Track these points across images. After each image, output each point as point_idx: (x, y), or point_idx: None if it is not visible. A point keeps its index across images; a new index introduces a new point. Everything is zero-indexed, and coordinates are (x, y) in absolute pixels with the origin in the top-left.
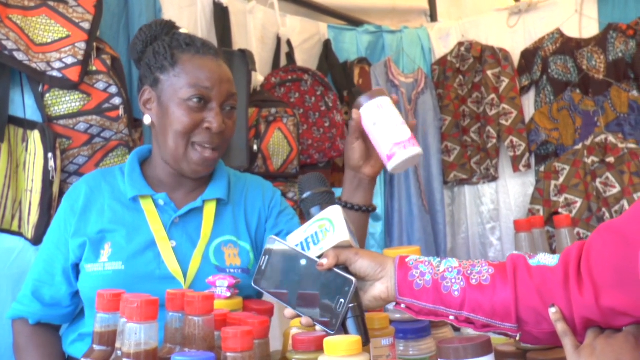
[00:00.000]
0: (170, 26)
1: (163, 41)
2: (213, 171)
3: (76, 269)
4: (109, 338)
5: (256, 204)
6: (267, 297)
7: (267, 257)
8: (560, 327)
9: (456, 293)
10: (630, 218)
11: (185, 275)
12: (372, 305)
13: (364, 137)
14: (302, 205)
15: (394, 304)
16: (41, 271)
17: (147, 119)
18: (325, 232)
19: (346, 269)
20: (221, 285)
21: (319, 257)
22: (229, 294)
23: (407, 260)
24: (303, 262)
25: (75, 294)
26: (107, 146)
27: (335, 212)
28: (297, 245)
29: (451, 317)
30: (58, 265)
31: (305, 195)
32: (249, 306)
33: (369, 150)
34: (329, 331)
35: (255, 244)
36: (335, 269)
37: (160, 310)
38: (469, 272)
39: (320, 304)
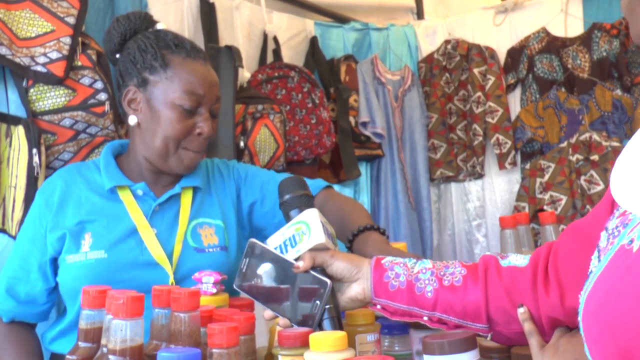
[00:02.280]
0: (149, 20)
1: (147, 38)
2: None
3: (54, 264)
4: (95, 335)
5: (224, 182)
6: (244, 296)
7: (247, 259)
8: (527, 326)
9: (429, 294)
10: (592, 217)
11: (170, 260)
12: (349, 306)
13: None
14: (282, 208)
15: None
16: (16, 268)
17: (132, 120)
18: (302, 235)
19: (323, 270)
20: (207, 281)
21: (296, 259)
22: (214, 290)
23: (382, 261)
24: (281, 264)
25: (52, 291)
26: (93, 142)
27: (311, 215)
28: (275, 248)
29: (425, 318)
30: (34, 261)
31: (284, 198)
32: (230, 302)
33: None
34: None
35: (236, 218)
36: (312, 271)
37: (146, 297)
38: (442, 273)
39: (298, 305)
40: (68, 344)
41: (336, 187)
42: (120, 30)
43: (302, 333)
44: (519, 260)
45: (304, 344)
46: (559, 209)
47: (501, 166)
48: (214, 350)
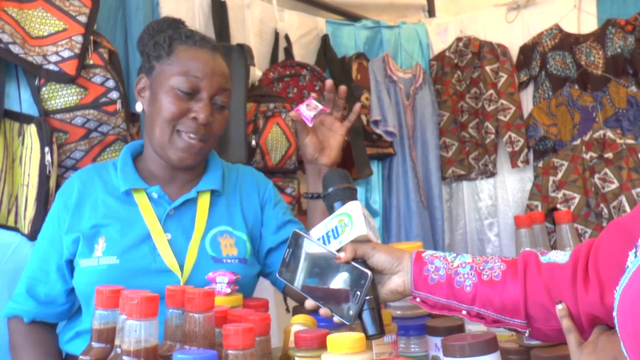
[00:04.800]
0: (178, 22)
1: (165, 33)
2: (206, 163)
3: (70, 265)
4: (108, 335)
5: (251, 194)
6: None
7: (290, 249)
8: (566, 323)
9: (468, 288)
10: (635, 215)
11: (182, 268)
12: (389, 298)
13: (312, 131)
14: (325, 200)
15: (409, 297)
16: (35, 268)
17: (139, 106)
18: (344, 226)
19: (364, 262)
20: (221, 281)
21: (338, 250)
22: (229, 290)
23: (423, 255)
24: (323, 255)
25: (71, 291)
26: (105, 141)
27: (354, 208)
28: (318, 239)
29: (463, 312)
30: (52, 262)
31: (328, 191)
32: (244, 303)
33: (321, 142)
34: (345, 322)
35: (251, 235)
36: (353, 262)
37: (159, 305)
38: (481, 267)
39: (338, 295)
40: (83, 345)
41: None
42: (149, 32)
43: (319, 334)
44: (559, 256)
45: (321, 345)
46: (572, 207)
47: (513, 164)
48: (230, 352)
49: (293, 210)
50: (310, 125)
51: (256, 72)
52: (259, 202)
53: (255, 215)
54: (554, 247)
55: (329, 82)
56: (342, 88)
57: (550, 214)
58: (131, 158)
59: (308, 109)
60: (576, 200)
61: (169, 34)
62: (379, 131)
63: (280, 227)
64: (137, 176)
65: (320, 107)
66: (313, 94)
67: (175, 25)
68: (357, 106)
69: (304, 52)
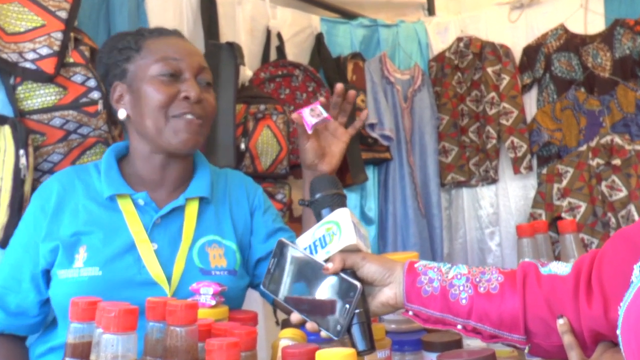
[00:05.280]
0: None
1: (126, 39)
2: (194, 167)
3: (47, 275)
4: (83, 350)
5: (241, 200)
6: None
7: (275, 260)
8: (567, 339)
9: (464, 301)
10: None
11: (169, 280)
12: (380, 312)
13: (314, 136)
14: (313, 207)
15: (401, 310)
16: (6, 277)
17: (121, 113)
18: (332, 235)
19: (354, 273)
20: (205, 292)
21: (326, 260)
22: (213, 302)
23: (416, 265)
24: (310, 265)
25: (45, 303)
26: (85, 143)
27: (343, 215)
28: (305, 249)
29: (459, 327)
30: (26, 271)
31: (316, 197)
32: (231, 316)
33: (322, 148)
34: (333, 337)
35: (240, 244)
36: (342, 274)
37: (141, 319)
38: (477, 279)
39: (326, 308)
40: None
41: None
42: (107, 49)
43: (307, 350)
44: (561, 268)
45: None
46: (578, 216)
47: (516, 171)
48: None
49: (284, 218)
50: (309, 132)
51: (246, 72)
52: (248, 208)
53: (245, 222)
54: (557, 257)
55: (339, 86)
56: (352, 93)
57: (555, 223)
58: (116, 161)
59: (311, 115)
60: (582, 209)
61: (130, 37)
62: (375, 135)
63: (270, 235)
64: (122, 181)
65: (325, 115)
66: (321, 99)
67: (131, 32)
68: (364, 113)
69: (297, 52)
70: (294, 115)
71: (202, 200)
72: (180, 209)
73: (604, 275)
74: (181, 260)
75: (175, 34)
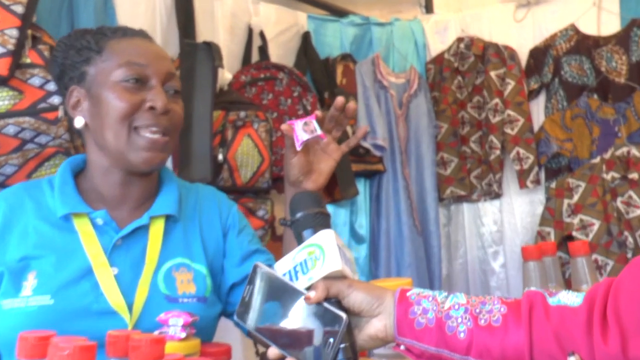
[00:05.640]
0: (92, 29)
1: (84, 38)
2: (160, 182)
3: None
4: None
5: (213, 219)
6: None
7: (250, 287)
8: None
9: (462, 335)
10: None
11: (130, 308)
12: (368, 346)
13: (303, 150)
14: (293, 228)
15: (392, 344)
16: None
17: (78, 121)
18: (315, 260)
19: (339, 303)
20: (175, 324)
21: (308, 288)
22: (183, 335)
23: (408, 294)
24: (290, 294)
25: None
26: (42, 154)
27: (327, 238)
28: (284, 274)
29: None
30: None
31: (296, 217)
32: (202, 350)
33: (310, 163)
34: None
35: (212, 268)
36: (325, 304)
37: (100, 353)
38: (477, 310)
39: (308, 343)
40: None
41: (330, 208)
42: (62, 49)
43: None
44: (571, 298)
45: None
46: (591, 235)
47: (522, 185)
48: None
49: (266, 236)
50: (298, 149)
51: (225, 75)
52: (220, 228)
53: (217, 244)
54: (568, 281)
55: (340, 100)
56: (351, 106)
57: (565, 242)
58: (72, 176)
59: (304, 129)
60: (595, 227)
61: (90, 36)
62: (366, 144)
63: (246, 258)
64: (78, 198)
65: (319, 132)
66: (318, 112)
67: (91, 30)
68: (363, 130)
69: (282, 52)
70: (284, 126)
71: (169, 219)
72: (143, 229)
73: (622, 307)
74: (144, 286)
75: (141, 34)
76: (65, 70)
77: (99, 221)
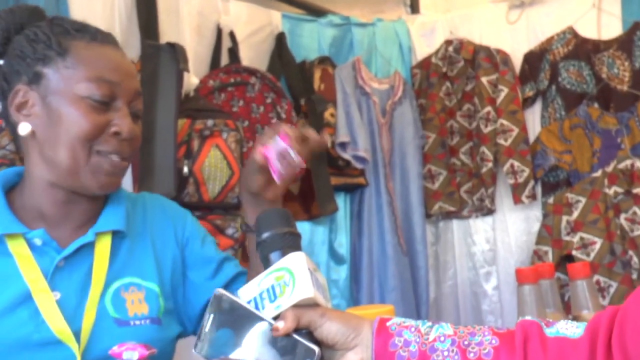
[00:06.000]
0: (40, 13)
1: (39, 27)
2: (106, 196)
3: None
4: None
5: (166, 232)
6: None
7: (211, 316)
8: None
9: None
10: None
11: (77, 336)
12: None
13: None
14: (259, 250)
15: None
16: None
17: (24, 128)
18: (283, 286)
19: (310, 334)
20: (129, 357)
21: (275, 318)
22: None
23: (388, 324)
24: (255, 324)
25: None
26: None
27: (297, 261)
28: (249, 302)
29: None
30: None
31: (263, 237)
32: None
33: (271, 178)
34: None
35: (168, 286)
36: (295, 335)
37: None
38: (466, 342)
39: None
40: None
41: (307, 226)
42: (2, 26)
43: None
44: (571, 329)
45: None
46: (592, 254)
47: (517, 200)
48: None
49: (236, 257)
50: (278, 182)
51: (191, 80)
52: (176, 241)
53: (174, 259)
54: (567, 305)
55: (323, 140)
56: (323, 140)
57: (563, 262)
58: (4, 192)
59: (280, 161)
60: (597, 246)
61: (45, 28)
62: (346, 156)
63: (218, 269)
64: (12, 217)
65: (297, 162)
66: (287, 131)
67: (37, 16)
68: (324, 139)
69: (254, 55)
70: (258, 157)
71: (116, 235)
72: (88, 247)
73: (628, 339)
74: (91, 310)
75: (112, 41)
76: (10, 61)
77: (37, 241)
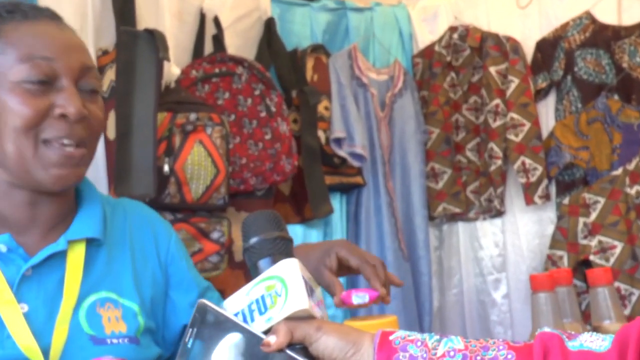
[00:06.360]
0: None
1: None
2: (79, 197)
3: None
4: None
5: (147, 245)
6: None
7: (194, 330)
8: None
9: None
10: None
11: (46, 354)
12: None
13: None
14: (247, 257)
15: None
16: None
17: None
18: (275, 296)
19: (305, 350)
20: None
21: (266, 332)
22: None
23: (391, 338)
24: (244, 338)
25: None
26: None
27: (289, 269)
28: (236, 314)
29: None
30: None
31: (251, 242)
32: None
33: None
34: None
35: (149, 304)
36: (288, 351)
37: None
38: (478, 358)
39: None
40: None
41: (300, 229)
42: None
43: None
44: (597, 342)
45: None
46: (612, 259)
47: (529, 201)
48: None
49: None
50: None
51: (172, 70)
52: (157, 257)
53: (154, 275)
54: (586, 315)
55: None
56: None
57: (581, 268)
58: None
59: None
60: (617, 250)
61: None
62: (342, 153)
63: (203, 294)
64: None
65: (367, 298)
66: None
67: None
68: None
69: (241, 42)
70: (337, 301)
71: (91, 243)
72: (60, 256)
73: None
74: (63, 325)
75: (47, 14)
76: None
77: (2, 248)
